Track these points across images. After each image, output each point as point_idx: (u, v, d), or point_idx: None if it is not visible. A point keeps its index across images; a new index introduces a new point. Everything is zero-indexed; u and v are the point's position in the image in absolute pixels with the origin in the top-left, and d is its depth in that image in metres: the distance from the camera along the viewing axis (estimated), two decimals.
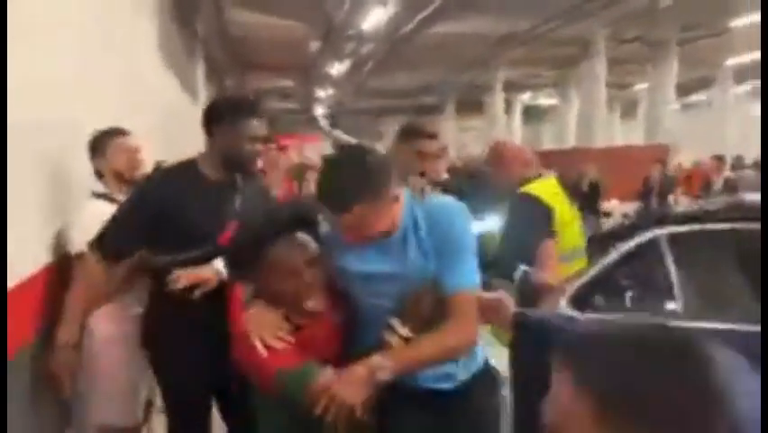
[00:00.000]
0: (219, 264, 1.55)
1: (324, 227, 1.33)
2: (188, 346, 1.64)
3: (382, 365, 1.16)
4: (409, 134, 1.94)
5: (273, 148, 3.78)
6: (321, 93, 18.61)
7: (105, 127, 2.02)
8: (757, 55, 13.97)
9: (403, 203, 1.27)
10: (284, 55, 13.92)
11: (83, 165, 2.05)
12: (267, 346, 1.22)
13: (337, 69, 14.12)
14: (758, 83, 17.64)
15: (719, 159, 6.66)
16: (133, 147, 2.02)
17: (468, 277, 1.27)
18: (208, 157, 1.68)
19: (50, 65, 1.99)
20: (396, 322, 1.23)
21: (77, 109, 2.24)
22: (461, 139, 19.54)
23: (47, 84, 1.92)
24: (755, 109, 21.06)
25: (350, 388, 1.13)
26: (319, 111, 21.32)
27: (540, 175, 2.37)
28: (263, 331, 1.23)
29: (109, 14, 3.20)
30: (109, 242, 1.63)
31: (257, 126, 1.65)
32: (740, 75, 15.90)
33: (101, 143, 1.98)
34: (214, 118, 1.64)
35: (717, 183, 5.87)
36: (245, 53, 13.51)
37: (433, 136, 1.93)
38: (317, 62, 13.98)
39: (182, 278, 1.57)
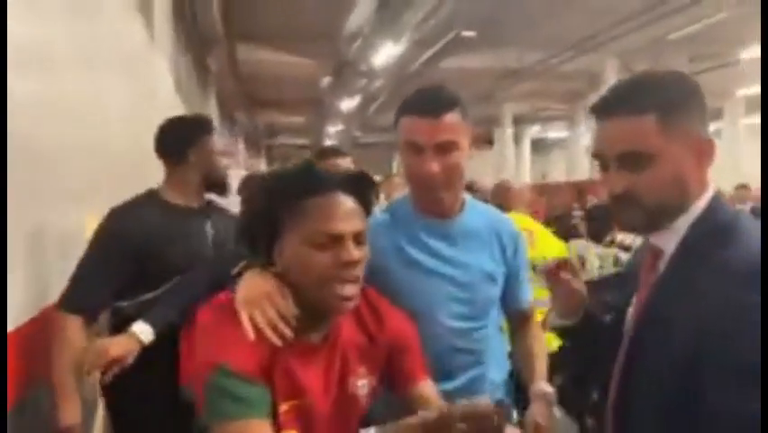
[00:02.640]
0: (140, 328, 1.37)
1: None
2: (155, 405, 1.49)
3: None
4: (321, 154, 2.08)
5: None
6: (331, 128, 18.82)
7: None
8: None
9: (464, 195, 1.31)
10: (295, 91, 14.16)
11: (97, 195, 2.01)
12: (255, 328, 0.86)
13: (347, 104, 14.31)
14: None
15: (744, 187, 6.53)
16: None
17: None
18: (175, 183, 1.62)
19: (70, 95, 1.98)
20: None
21: (94, 138, 2.23)
22: (470, 172, 19.50)
23: (65, 112, 1.90)
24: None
25: None
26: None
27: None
28: (257, 304, 0.87)
29: (128, 49, 3.24)
30: (85, 299, 1.47)
31: (220, 141, 1.68)
32: (751, 105, 15.89)
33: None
34: (186, 141, 1.61)
35: (744, 211, 5.76)
36: (257, 89, 13.76)
37: (338, 154, 2.04)
38: (328, 98, 14.19)
39: (95, 359, 1.34)
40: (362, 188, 0.94)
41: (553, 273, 1.02)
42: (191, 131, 1.64)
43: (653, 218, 0.86)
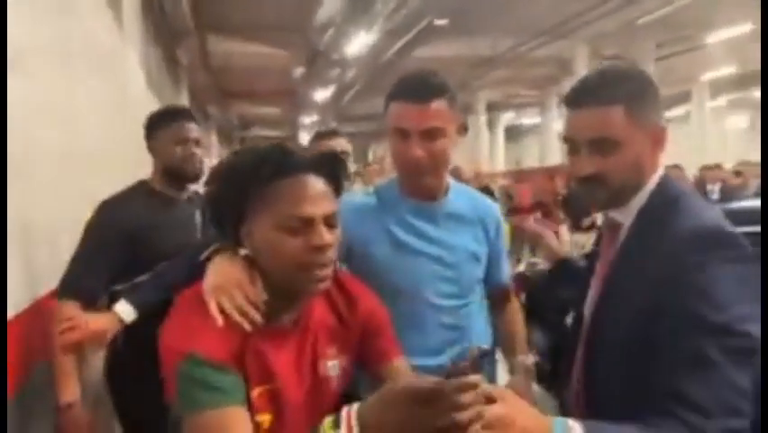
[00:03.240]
0: (122, 308, 1.40)
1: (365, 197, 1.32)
2: (154, 382, 1.53)
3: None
4: (317, 137, 2.12)
5: None
6: (306, 119, 18.69)
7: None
8: (732, 69, 14.40)
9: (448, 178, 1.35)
10: (268, 82, 13.99)
11: (69, 188, 1.98)
12: (224, 314, 0.85)
13: (321, 95, 14.22)
14: (733, 96, 18.15)
15: (717, 167, 6.74)
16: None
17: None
18: (157, 173, 1.69)
19: (36, 91, 1.93)
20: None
21: (65, 133, 2.18)
22: None
23: (33, 110, 1.86)
24: (732, 122, 21.68)
25: None
26: (304, 137, 21.40)
27: None
28: (225, 290, 0.86)
29: (98, 44, 3.16)
30: (82, 285, 1.52)
31: (186, 128, 1.66)
32: (716, 89, 16.31)
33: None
34: (147, 134, 1.67)
35: (714, 191, 5.95)
36: (229, 81, 13.55)
37: (334, 135, 2.09)
38: (301, 89, 14.07)
39: (72, 332, 1.36)
40: (333, 168, 0.91)
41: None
42: (153, 122, 1.68)
43: (616, 196, 0.98)
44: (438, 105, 1.19)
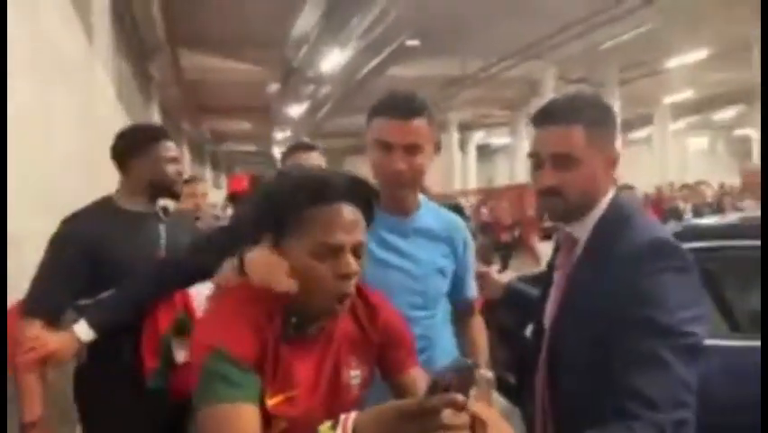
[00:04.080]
0: (80, 328, 1.41)
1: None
2: (120, 396, 1.52)
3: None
4: (291, 150, 2.05)
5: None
6: (279, 134, 18.67)
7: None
8: (690, 93, 15.02)
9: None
10: (241, 98, 13.97)
11: (42, 196, 1.96)
12: (256, 323, 0.90)
13: (295, 110, 14.25)
14: (693, 119, 18.92)
15: (688, 187, 7.03)
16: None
17: None
18: (127, 190, 1.67)
19: (10, 102, 1.92)
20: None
21: (33, 147, 2.17)
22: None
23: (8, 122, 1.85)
24: (692, 144, 22.53)
25: None
26: (277, 152, 21.33)
27: None
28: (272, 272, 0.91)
29: (66, 55, 3.14)
30: (45, 303, 1.51)
31: (172, 147, 1.70)
32: (677, 112, 16.96)
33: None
34: (130, 150, 1.66)
35: (686, 210, 6.23)
36: (202, 97, 13.48)
37: (309, 149, 2.00)
38: (275, 104, 14.08)
39: (33, 352, 1.37)
40: (367, 197, 0.95)
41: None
42: (139, 139, 1.68)
43: (572, 210, 1.06)
44: (420, 122, 1.26)
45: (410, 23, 8.27)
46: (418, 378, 1.04)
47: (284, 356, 0.90)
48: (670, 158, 16.50)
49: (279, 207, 0.91)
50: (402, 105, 1.26)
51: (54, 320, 1.52)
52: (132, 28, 6.85)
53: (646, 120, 17.34)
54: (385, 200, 1.32)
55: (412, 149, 1.25)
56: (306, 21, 8.48)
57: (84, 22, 3.88)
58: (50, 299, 1.52)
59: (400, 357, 1.05)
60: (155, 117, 9.42)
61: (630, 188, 4.46)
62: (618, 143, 1.11)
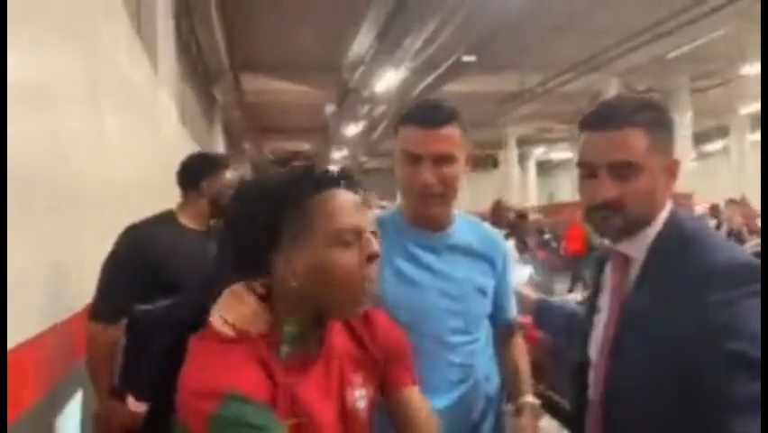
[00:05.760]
0: (132, 404, 1.49)
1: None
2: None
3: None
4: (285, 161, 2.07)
5: None
6: (336, 154, 19.00)
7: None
8: None
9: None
10: (300, 119, 14.35)
11: (102, 220, 2.04)
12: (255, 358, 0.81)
13: (351, 130, 14.46)
14: None
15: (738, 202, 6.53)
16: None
17: None
18: (188, 208, 1.86)
19: (73, 130, 2.02)
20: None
21: (98, 171, 2.27)
22: (475, 194, 19.69)
23: (69, 147, 1.94)
24: None
25: None
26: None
27: None
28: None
29: (134, 84, 3.31)
30: (107, 307, 1.70)
31: (233, 175, 1.91)
32: (756, 122, 15.88)
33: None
34: (200, 173, 1.87)
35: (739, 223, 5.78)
36: (263, 118, 13.96)
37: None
38: (332, 125, 14.35)
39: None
40: (355, 184, 0.87)
41: None
42: (207, 165, 1.89)
43: (630, 226, 0.94)
44: (449, 131, 1.18)
45: (465, 40, 8.22)
46: (414, 397, 0.97)
47: (289, 382, 0.82)
48: (748, 170, 15.43)
49: (278, 202, 0.81)
50: (429, 114, 1.18)
51: (114, 322, 1.72)
52: (197, 54, 7.19)
53: (722, 132, 16.36)
54: (414, 215, 1.26)
55: (441, 159, 1.16)
56: (361, 43, 8.62)
57: (149, 50, 4.08)
58: (110, 304, 1.69)
59: (398, 373, 0.97)
60: (218, 139, 9.82)
61: (687, 196, 4.15)
62: (691, 155, 0.98)
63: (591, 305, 1.05)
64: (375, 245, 0.82)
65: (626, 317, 0.93)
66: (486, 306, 1.31)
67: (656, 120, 0.93)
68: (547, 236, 10.99)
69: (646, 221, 0.93)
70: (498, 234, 1.40)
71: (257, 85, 10.55)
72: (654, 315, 0.87)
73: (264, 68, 10.15)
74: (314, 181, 0.82)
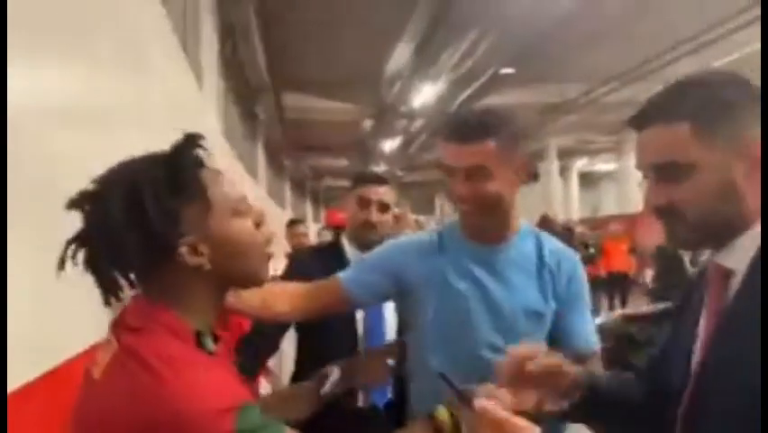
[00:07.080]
0: None
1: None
2: None
3: None
4: (356, 180, 1.84)
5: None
6: (375, 169, 19.12)
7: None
8: None
9: (520, 223, 1.28)
10: (339, 135, 14.52)
11: None
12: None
13: (389, 145, 14.54)
14: None
15: None
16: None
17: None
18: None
19: (120, 149, 2.09)
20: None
21: None
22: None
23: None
24: None
25: None
26: None
27: None
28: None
29: (177, 102, 3.42)
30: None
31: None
32: None
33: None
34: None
35: None
36: (302, 134, 14.19)
37: (378, 182, 1.80)
38: (370, 140, 14.47)
39: None
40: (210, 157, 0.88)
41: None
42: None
43: (701, 233, 0.80)
44: (481, 144, 1.14)
45: (503, 52, 8.16)
46: None
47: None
48: None
49: (166, 193, 0.76)
50: (461, 127, 1.16)
51: None
52: (238, 72, 7.40)
53: None
54: (466, 228, 1.25)
55: (474, 172, 1.13)
56: (398, 59, 8.68)
57: (195, 70, 4.22)
58: None
59: None
60: (260, 156, 10.03)
61: None
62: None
63: (677, 323, 0.91)
64: (261, 213, 0.84)
65: (725, 334, 0.78)
66: (538, 330, 1.23)
67: (709, 104, 0.80)
68: (591, 250, 10.70)
69: (730, 225, 0.78)
70: (568, 251, 1.31)
71: (297, 102, 10.77)
72: (756, 330, 0.71)
73: (304, 85, 10.35)
74: (196, 153, 0.86)
